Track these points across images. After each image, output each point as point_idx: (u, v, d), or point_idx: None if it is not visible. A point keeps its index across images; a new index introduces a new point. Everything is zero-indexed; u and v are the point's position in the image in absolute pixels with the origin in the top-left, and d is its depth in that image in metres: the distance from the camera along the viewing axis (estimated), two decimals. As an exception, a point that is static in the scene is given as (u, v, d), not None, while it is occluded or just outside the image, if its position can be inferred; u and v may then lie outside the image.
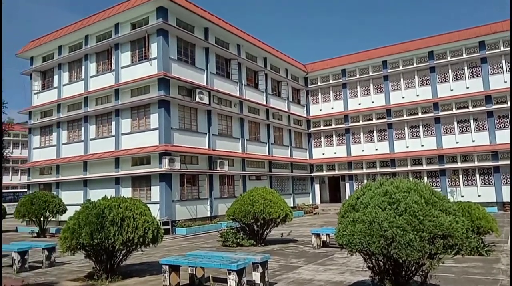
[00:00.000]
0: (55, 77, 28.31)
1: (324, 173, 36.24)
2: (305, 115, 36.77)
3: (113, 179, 23.35)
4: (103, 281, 9.30)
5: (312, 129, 37.03)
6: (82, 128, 25.93)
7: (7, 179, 59.78)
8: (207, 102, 23.92)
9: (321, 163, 36.16)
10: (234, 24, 28.21)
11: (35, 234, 21.61)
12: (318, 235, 13.70)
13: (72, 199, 24.10)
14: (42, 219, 21.36)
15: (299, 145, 35.97)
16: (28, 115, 29.89)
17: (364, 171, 33.58)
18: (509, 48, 28.43)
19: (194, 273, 8.49)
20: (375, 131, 33.80)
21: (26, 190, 30.86)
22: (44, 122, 28.38)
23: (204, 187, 23.63)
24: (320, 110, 36.68)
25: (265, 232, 14.66)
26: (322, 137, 36.68)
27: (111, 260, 9.56)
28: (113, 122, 24.15)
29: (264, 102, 30.69)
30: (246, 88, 28.73)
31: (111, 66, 24.70)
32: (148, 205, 19.02)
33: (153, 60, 22.39)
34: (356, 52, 35.44)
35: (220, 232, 15.41)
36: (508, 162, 27.35)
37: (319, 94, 37.06)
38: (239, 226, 14.83)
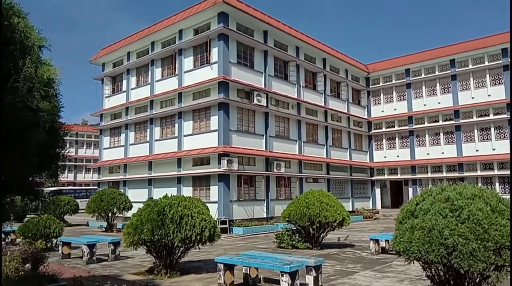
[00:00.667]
0: (124, 81, 30.14)
1: (386, 176, 34.94)
2: (366, 117, 35.73)
3: (175, 178, 24.34)
4: (162, 276, 9.73)
5: (373, 131, 35.89)
6: (148, 130, 27.33)
7: (80, 177, 64.65)
8: (265, 105, 24.14)
9: (382, 166, 34.91)
10: (293, 26, 28.19)
11: (104, 229, 23.16)
12: (376, 241, 13.25)
13: (138, 197, 25.46)
14: (110, 214, 22.82)
15: (359, 147, 35.03)
16: (100, 117, 32.10)
17: (429, 175, 31.89)
18: None
19: (248, 272, 8.60)
20: (441, 134, 31.97)
21: (96, 187, 33.15)
22: (114, 124, 30.31)
23: (261, 188, 23.84)
24: (382, 111, 35.44)
25: (321, 236, 14.46)
26: (384, 140, 35.41)
27: (171, 256, 9.99)
28: (176, 124, 25.19)
29: (323, 104, 30.29)
30: (304, 90, 28.56)
31: (175, 70, 25.79)
32: (207, 204, 19.74)
33: (213, 64, 23.04)
34: (422, 51, 33.81)
35: (275, 233, 15.45)
36: None
37: (381, 95, 35.83)
38: (295, 228, 14.76)
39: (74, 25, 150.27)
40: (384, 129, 35.32)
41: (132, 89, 29.25)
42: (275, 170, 24.17)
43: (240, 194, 22.58)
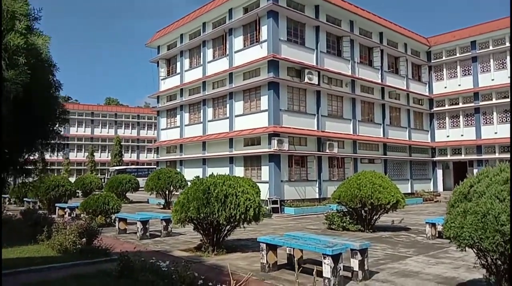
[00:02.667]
0: (178, 64, 30.76)
1: (449, 157, 32.89)
2: (427, 93, 33.62)
3: (228, 158, 24.66)
4: (209, 253, 9.91)
5: (435, 109, 33.76)
6: (201, 111, 27.82)
7: (142, 156, 67.94)
8: (316, 83, 23.46)
9: (445, 146, 32.86)
10: (346, -1, 26.86)
11: (162, 206, 24.18)
12: (433, 225, 12.52)
13: (193, 175, 26.00)
14: (167, 192, 23.75)
15: (419, 127, 33.18)
16: (157, 99, 33.20)
17: (497, 155, 29.49)
18: None
19: (292, 253, 8.47)
20: (512, 111, 29.27)
21: (155, 166, 34.60)
22: (170, 106, 31.21)
23: (313, 168, 23.46)
24: (445, 87, 33.13)
25: (373, 218, 13.92)
26: (447, 118, 33.21)
27: (217, 234, 10.13)
28: (228, 105, 25.36)
29: (379, 81, 28.88)
30: (358, 66, 27.35)
31: (225, 51, 25.81)
32: (258, 184, 19.77)
33: (263, 43, 22.70)
34: (490, 21, 30.85)
35: (325, 214, 15.13)
36: None
37: (444, 70, 33.43)
38: (346, 210, 14.35)
39: (141, 11, 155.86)
40: (447, 107, 33.08)
41: (185, 71, 29.79)
42: (327, 150, 23.61)
43: (291, 174, 22.40)
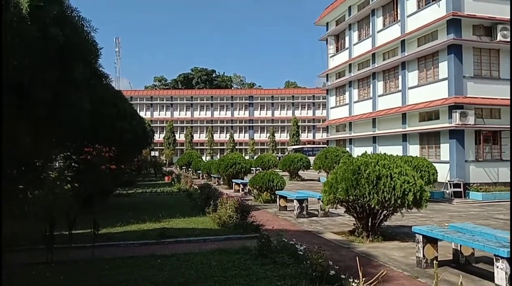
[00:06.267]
0: (346, 38, 29.53)
1: None
2: None
3: (400, 135, 22.54)
4: (363, 238, 9.07)
5: None
6: (371, 85, 26.14)
7: (318, 136, 69.07)
8: (515, 40, 18.94)
9: None
10: None
11: (330, 185, 23.89)
12: None
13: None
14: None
15: None
16: (326, 77, 32.84)
17: None
18: None
19: (459, 249, 6.93)
20: None
21: (325, 145, 34.53)
22: (338, 83, 30.41)
23: (508, 146, 19.22)
24: None
25: None
26: None
27: (371, 218, 9.16)
28: (400, 77, 23.04)
29: None
30: None
31: (397, 17, 23.40)
32: (436, 164, 17.44)
33: (441, 1, 19.53)
34: None
35: (521, 202, 12.09)
36: None
37: None
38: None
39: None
40: None
41: (354, 45, 28.38)
42: (531, 123, 18.97)
43: (479, 153, 18.91)
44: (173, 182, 24.16)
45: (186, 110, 76.89)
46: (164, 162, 56.27)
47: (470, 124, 18.11)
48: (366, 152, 9.86)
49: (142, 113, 73.48)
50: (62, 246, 6.83)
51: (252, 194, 17.36)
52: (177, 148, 71.37)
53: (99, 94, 10.55)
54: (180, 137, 73.54)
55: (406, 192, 8.34)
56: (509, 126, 19.09)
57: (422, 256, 6.76)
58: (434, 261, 5.34)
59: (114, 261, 6.68)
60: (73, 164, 8.24)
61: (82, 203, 7.50)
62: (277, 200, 14.06)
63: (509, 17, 19.31)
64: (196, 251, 7.44)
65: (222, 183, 24.85)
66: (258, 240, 7.03)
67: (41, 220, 6.06)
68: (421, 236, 6.79)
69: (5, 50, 5.51)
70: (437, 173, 17.01)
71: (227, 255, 6.98)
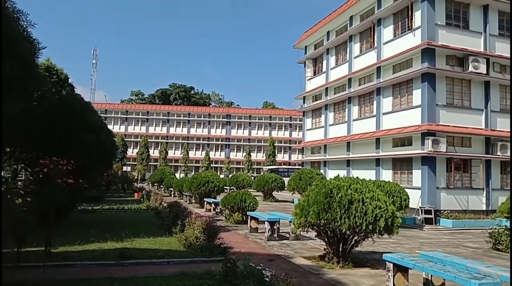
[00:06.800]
0: (324, 62, 29.95)
1: None
2: None
3: (374, 159, 22.70)
4: (333, 264, 8.81)
5: None
6: (346, 109, 26.40)
7: (294, 157, 69.19)
8: (484, 72, 19.54)
9: None
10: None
11: (303, 207, 23.67)
12: None
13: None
14: (308, 194, 23.13)
15: None
16: (303, 100, 33.04)
17: None
18: None
19: (429, 278, 6.75)
20: None
21: (300, 166, 34.51)
22: (315, 106, 30.62)
23: (478, 174, 19.61)
24: None
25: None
26: None
27: (342, 244, 8.93)
28: (375, 102, 23.36)
29: None
30: (546, 49, 21.84)
31: (373, 43, 23.87)
32: (408, 190, 17.50)
33: (416, 30, 20.06)
34: None
35: (489, 231, 12.16)
36: None
37: None
38: (520, 227, 11.25)
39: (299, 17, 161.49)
40: None
41: (331, 69, 28.78)
42: (499, 153, 19.45)
43: (449, 180, 19.17)
44: (141, 199, 23.41)
45: (162, 126, 75.93)
46: (136, 177, 54.92)
47: (442, 151, 18.38)
48: (338, 174, 9.72)
49: (116, 127, 72.30)
50: (10, 266, 6.26)
51: (224, 214, 16.92)
52: (150, 163, 70.05)
53: (65, 101, 10.09)
54: (155, 153, 72.31)
55: (378, 218, 8.19)
56: (478, 155, 19.56)
57: (392, 285, 6.54)
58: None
59: (67, 284, 6.16)
60: (28, 177, 7.71)
61: (40, 219, 6.95)
62: (249, 221, 13.69)
63: (480, 50, 20.08)
64: (157, 274, 6.98)
65: (194, 201, 24.25)
66: (223, 265, 6.65)
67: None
68: (391, 264, 6.59)
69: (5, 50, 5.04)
70: (409, 198, 17.11)
71: (189, 280, 6.56)
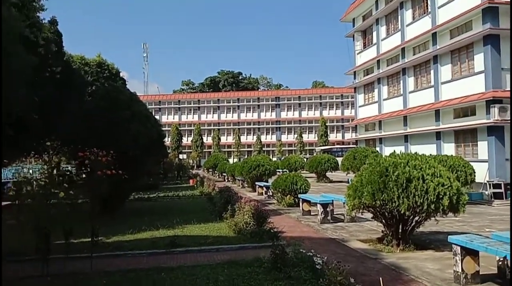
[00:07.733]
0: (374, 34, 28.37)
1: None
2: None
3: (434, 133, 21.27)
4: (393, 247, 8.19)
5: None
6: (401, 82, 24.90)
7: (347, 136, 67.39)
8: (560, 27, 17.34)
9: None
10: None
11: (359, 187, 22.81)
12: None
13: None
14: (363, 173, 22.22)
15: None
16: (353, 75, 31.67)
17: None
18: None
19: (505, 262, 5.96)
20: None
21: (355, 145, 33.35)
22: (366, 80, 29.23)
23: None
24: None
25: None
26: None
27: (401, 225, 8.26)
28: (432, 71, 21.76)
29: None
30: None
31: (427, 8, 22.15)
32: (473, 163, 16.19)
33: (475, -12, 18.22)
34: None
35: None
36: None
37: None
38: None
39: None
40: None
41: (382, 40, 27.19)
42: None
43: (522, 151, 17.44)
44: (196, 185, 23.78)
45: (213, 113, 76.96)
46: (192, 164, 56.37)
47: (510, 119, 16.70)
48: (394, 151, 8.97)
49: (170, 117, 74.56)
50: (61, 257, 6.37)
51: (275, 197, 16.64)
52: (204, 150, 71.49)
53: (110, 94, 10.16)
54: (208, 140, 73.65)
55: (441, 196, 7.42)
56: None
57: (460, 270, 5.85)
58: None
59: (115, 274, 6.14)
60: (66, 169, 7.85)
61: (86, 210, 7.00)
62: (300, 203, 13.27)
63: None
64: (205, 262, 6.81)
65: (246, 185, 24.25)
66: (272, 252, 6.31)
67: (34, 230, 5.61)
68: (459, 248, 5.88)
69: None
70: (474, 173, 15.79)
71: (237, 268, 6.30)
